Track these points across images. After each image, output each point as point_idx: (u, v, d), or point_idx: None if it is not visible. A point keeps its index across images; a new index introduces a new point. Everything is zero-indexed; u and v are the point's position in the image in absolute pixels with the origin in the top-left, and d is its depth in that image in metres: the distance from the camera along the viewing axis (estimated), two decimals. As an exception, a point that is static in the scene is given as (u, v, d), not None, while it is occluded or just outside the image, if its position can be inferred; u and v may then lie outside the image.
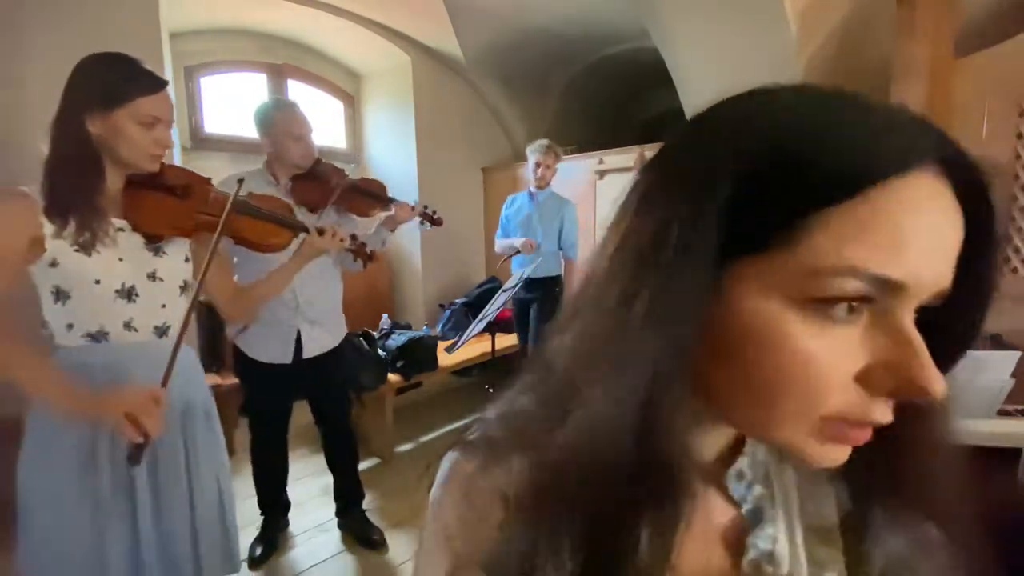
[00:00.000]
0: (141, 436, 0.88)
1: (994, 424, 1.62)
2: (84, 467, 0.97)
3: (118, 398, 0.88)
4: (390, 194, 2.00)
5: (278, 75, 3.57)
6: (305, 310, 1.76)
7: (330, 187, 1.75)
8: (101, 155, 0.97)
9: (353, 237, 1.51)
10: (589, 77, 4.26)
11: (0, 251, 0.89)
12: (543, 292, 2.87)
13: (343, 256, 1.80)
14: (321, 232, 1.31)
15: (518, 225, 2.90)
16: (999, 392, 1.58)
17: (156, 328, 1.06)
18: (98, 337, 0.99)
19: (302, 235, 1.33)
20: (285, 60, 3.58)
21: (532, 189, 2.90)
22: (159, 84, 0.99)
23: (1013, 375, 1.63)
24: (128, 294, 1.01)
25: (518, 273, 1.62)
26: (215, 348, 3.17)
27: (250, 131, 3.44)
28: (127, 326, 1.01)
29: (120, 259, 1.00)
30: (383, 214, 1.96)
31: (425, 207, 2.01)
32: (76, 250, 0.94)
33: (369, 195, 1.91)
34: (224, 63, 3.33)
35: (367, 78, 4.08)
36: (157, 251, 1.06)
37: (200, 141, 3.25)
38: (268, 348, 1.74)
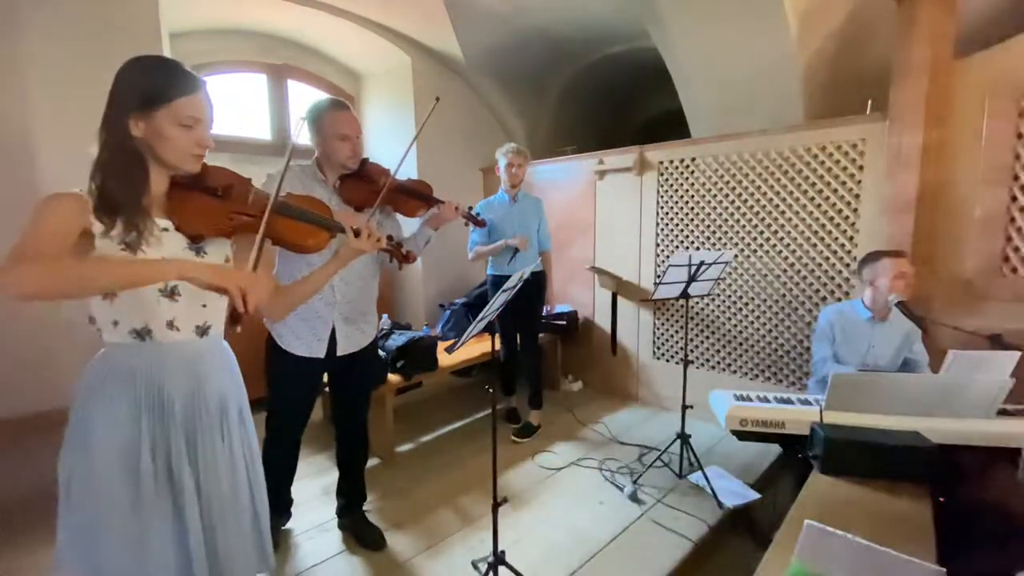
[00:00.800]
0: (244, 307, 0.95)
1: (994, 424, 1.63)
2: (128, 463, 0.99)
3: (236, 273, 0.96)
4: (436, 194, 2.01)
5: (278, 75, 3.57)
6: (343, 308, 1.78)
7: (377, 187, 1.76)
8: (145, 157, 1.00)
9: (389, 238, 1.52)
10: (588, 77, 4.26)
11: (55, 228, 0.91)
12: (534, 288, 2.99)
13: (380, 256, 1.85)
14: (358, 233, 1.31)
15: (505, 227, 2.96)
16: (999, 392, 1.59)
17: (197, 327, 1.09)
18: (143, 335, 1.02)
19: (340, 236, 1.33)
20: (285, 60, 3.58)
21: (509, 191, 3.00)
22: (197, 85, 1.01)
23: (1013, 375, 1.63)
24: (171, 293, 1.03)
25: (518, 273, 1.61)
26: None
27: (250, 131, 3.48)
28: (170, 325, 1.04)
29: (164, 259, 1.01)
30: (428, 214, 1.97)
31: (469, 208, 2.01)
32: (123, 249, 0.96)
33: (415, 195, 1.92)
34: (224, 63, 3.33)
35: (367, 78, 4.08)
36: (199, 251, 1.08)
37: (200, 141, 3.25)
38: (303, 341, 1.75)
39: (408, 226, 2.00)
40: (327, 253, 1.34)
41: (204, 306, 1.09)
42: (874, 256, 2.10)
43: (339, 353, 1.80)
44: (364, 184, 1.78)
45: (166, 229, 1.03)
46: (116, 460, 0.98)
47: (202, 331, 1.10)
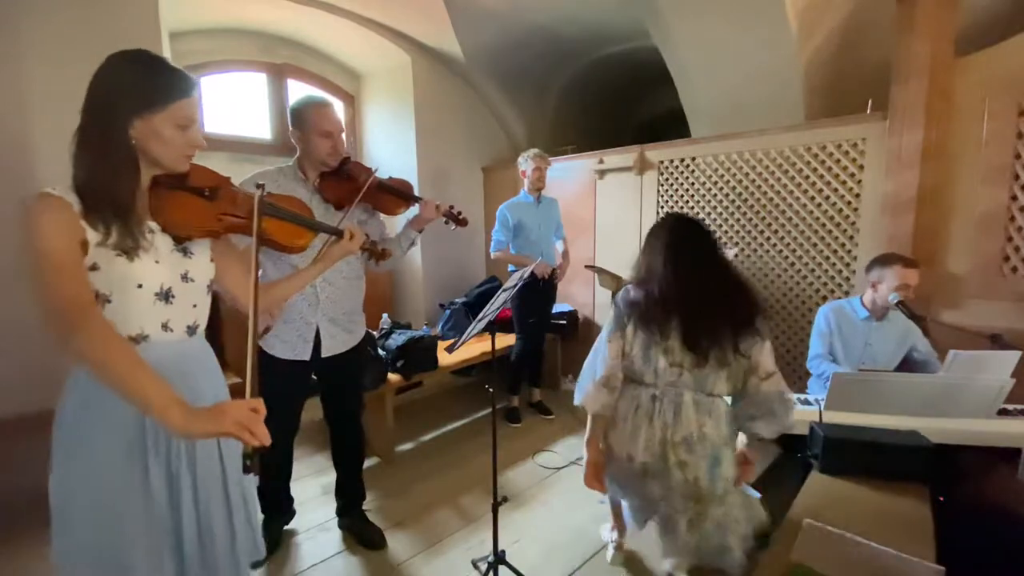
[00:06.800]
0: (257, 443, 0.89)
1: (994, 424, 1.63)
2: (135, 470, 0.97)
3: (232, 409, 0.89)
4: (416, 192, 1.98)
5: (278, 75, 3.56)
6: (327, 308, 1.77)
7: (357, 185, 1.75)
8: (138, 158, 0.96)
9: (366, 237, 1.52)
10: (589, 77, 4.25)
11: (68, 256, 0.88)
12: (549, 286, 3.19)
13: (361, 254, 1.85)
14: (343, 235, 1.33)
15: (532, 227, 3.10)
16: (999, 392, 1.59)
17: (188, 327, 1.08)
18: (138, 340, 0.99)
19: (322, 236, 1.34)
20: (285, 60, 3.58)
21: (532, 192, 3.12)
22: (194, 85, 0.99)
23: (1013, 375, 1.63)
24: (166, 296, 1.02)
25: (517, 274, 1.62)
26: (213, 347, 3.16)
27: (250, 131, 3.48)
28: (164, 327, 1.02)
29: (156, 261, 1.00)
30: (409, 213, 1.96)
31: (451, 207, 1.99)
32: (118, 255, 0.93)
33: (396, 193, 1.90)
34: (224, 63, 3.33)
35: (367, 78, 4.08)
36: (185, 252, 1.06)
37: (200, 141, 3.25)
38: (288, 344, 1.74)
39: (391, 224, 1.97)
40: (310, 254, 1.35)
41: (194, 306, 1.08)
42: (887, 260, 2.05)
43: (324, 354, 1.79)
44: (344, 182, 1.77)
45: (152, 231, 1.01)
46: (122, 468, 0.96)
47: (192, 330, 1.09)
